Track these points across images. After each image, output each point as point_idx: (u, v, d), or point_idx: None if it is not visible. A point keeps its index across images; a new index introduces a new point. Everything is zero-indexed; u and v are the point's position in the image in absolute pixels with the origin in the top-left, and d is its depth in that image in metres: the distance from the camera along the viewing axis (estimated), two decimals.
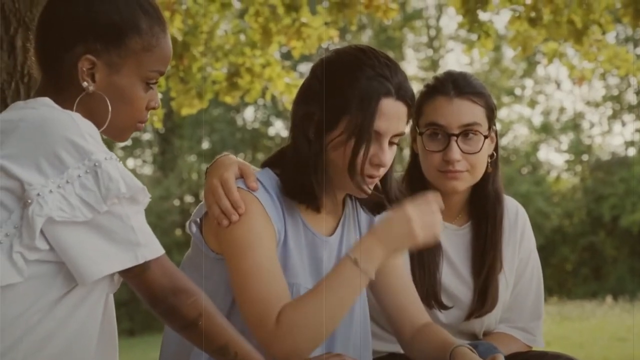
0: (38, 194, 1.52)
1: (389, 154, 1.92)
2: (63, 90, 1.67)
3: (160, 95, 5.66)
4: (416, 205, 1.86)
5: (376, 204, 2.03)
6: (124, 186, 1.56)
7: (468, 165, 2.24)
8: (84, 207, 1.54)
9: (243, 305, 1.84)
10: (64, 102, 1.65)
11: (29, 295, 1.54)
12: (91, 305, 1.61)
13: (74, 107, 1.65)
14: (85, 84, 1.66)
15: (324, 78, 1.92)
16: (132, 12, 1.68)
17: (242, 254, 1.84)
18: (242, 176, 1.91)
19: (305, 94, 1.94)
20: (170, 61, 1.76)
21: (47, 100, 1.64)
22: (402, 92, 1.90)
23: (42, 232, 1.54)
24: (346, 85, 1.88)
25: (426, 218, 1.86)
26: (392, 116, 1.89)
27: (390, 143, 1.92)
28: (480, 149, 2.24)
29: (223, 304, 1.93)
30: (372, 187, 1.94)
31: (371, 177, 1.92)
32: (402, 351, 2.16)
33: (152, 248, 1.60)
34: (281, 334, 1.77)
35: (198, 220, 1.96)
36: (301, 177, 1.91)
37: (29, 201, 1.52)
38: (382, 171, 1.94)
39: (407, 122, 1.95)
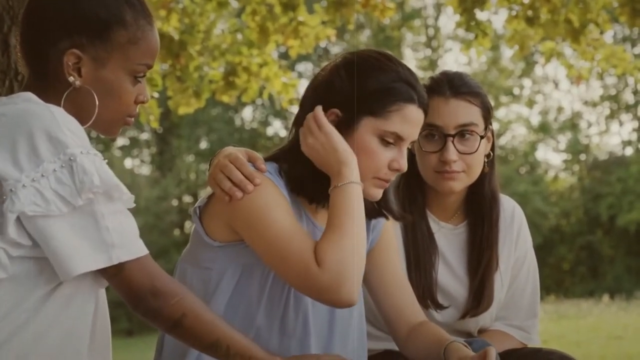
0: (11, 190, 1.51)
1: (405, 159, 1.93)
2: (50, 86, 1.66)
3: (157, 95, 5.69)
4: (309, 133, 1.89)
5: (372, 209, 2.03)
6: (97, 179, 1.54)
7: (464, 165, 2.23)
8: (59, 200, 1.53)
9: (281, 268, 1.83)
10: (51, 97, 1.64)
11: (14, 293, 1.54)
12: (80, 303, 1.60)
13: (61, 102, 1.65)
14: (71, 78, 1.65)
15: (348, 75, 1.91)
16: (117, 5, 1.67)
17: (264, 219, 1.82)
18: (249, 159, 1.91)
19: (325, 93, 1.93)
20: (157, 54, 1.75)
21: (29, 95, 1.63)
22: (422, 100, 1.93)
23: (24, 227, 1.53)
24: (373, 86, 1.89)
25: (316, 132, 1.89)
26: (415, 123, 1.92)
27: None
28: (477, 149, 2.23)
29: (226, 290, 1.92)
30: (381, 192, 1.95)
31: (386, 181, 1.93)
32: (395, 348, 2.16)
33: (129, 249, 1.58)
34: (328, 273, 1.77)
35: (197, 210, 1.95)
36: (311, 171, 1.92)
37: (4, 197, 1.51)
38: (394, 176, 1.95)
39: None
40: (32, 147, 1.53)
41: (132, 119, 1.75)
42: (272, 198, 1.84)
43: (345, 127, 1.90)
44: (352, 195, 1.85)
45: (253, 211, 1.83)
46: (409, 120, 1.90)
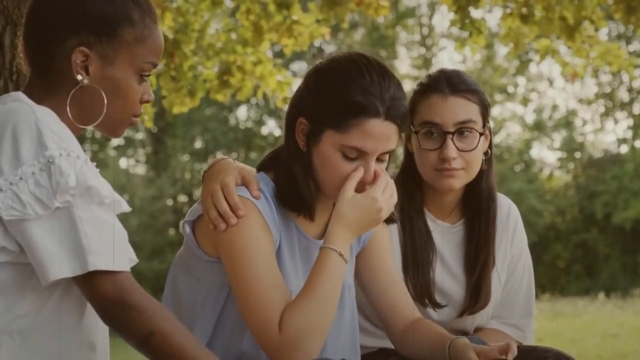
0: None
1: (373, 171, 1.89)
2: (55, 85, 1.64)
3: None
4: (378, 187, 1.88)
5: None
6: (73, 180, 1.51)
7: (464, 162, 2.23)
8: (35, 203, 1.50)
9: (245, 314, 1.82)
10: (56, 96, 1.63)
11: (4, 300, 1.52)
12: (72, 304, 1.59)
13: (67, 101, 1.63)
14: (79, 77, 1.63)
15: (315, 86, 1.91)
16: (123, 3, 1.66)
17: (240, 262, 1.81)
18: (243, 183, 1.89)
19: (298, 101, 1.93)
20: (162, 52, 1.73)
21: (18, 95, 1.62)
22: (391, 112, 1.86)
23: (9, 232, 1.51)
24: (333, 99, 1.86)
25: (387, 195, 1.89)
26: (380, 137, 1.86)
27: (379, 160, 1.90)
28: (476, 146, 2.24)
29: (215, 305, 1.91)
30: None
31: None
32: (391, 346, 2.15)
33: (105, 260, 1.52)
34: (287, 340, 1.76)
35: (191, 221, 1.94)
36: (293, 186, 1.90)
37: None
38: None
39: (398, 139, 1.91)
40: (14, 149, 1.51)
41: (137, 119, 1.73)
42: (253, 238, 1.82)
43: (312, 137, 1.88)
44: (334, 267, 1.83)
45: (233, 250, 1.82)
46: (370, 135, 1.84)
